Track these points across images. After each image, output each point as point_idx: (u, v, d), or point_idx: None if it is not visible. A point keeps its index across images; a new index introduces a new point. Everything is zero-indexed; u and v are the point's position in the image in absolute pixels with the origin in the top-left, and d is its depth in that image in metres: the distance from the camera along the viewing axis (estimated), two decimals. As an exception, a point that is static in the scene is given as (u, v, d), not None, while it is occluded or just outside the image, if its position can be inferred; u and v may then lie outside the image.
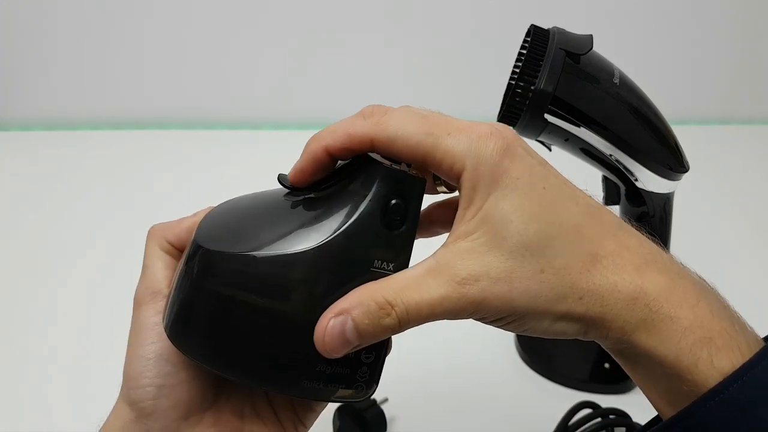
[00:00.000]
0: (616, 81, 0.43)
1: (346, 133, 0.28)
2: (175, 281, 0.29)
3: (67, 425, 0.47)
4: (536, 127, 0.42)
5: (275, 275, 0.27)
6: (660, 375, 0.26)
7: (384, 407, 0.47)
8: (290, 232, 0.28)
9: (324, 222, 0.28)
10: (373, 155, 0.29)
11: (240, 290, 0.27)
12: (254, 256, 0.27)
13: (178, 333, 0.28)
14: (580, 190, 0.29)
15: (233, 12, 0.84)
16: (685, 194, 0.52)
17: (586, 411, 0.44)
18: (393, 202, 0.28)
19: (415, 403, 0.49)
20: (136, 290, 0.31)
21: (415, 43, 0.88)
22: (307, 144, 0.29)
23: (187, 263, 0.29)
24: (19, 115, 0.88)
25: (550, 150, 0.47)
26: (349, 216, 0.28)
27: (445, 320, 0.26)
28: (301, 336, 0.27)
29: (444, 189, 0.32)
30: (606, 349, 0.28)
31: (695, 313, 0.26)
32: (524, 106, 0.41)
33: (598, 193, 0.50)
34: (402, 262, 0.28)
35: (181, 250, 0.31)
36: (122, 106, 0.89)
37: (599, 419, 0.43)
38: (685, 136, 0.48)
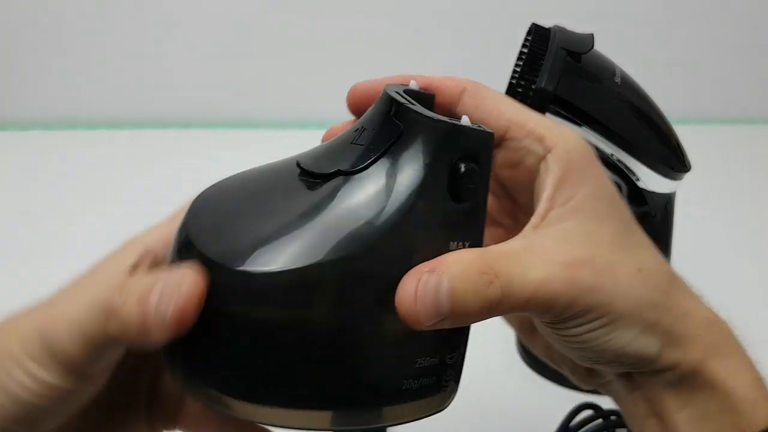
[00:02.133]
0: (618, 80, 0.43)
1: (443, 76, 0.27)
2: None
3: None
4: (537, 127, 0.42)
5: (328, 286, 0.21)
6: (715, 412, 0.24)
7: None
8: (342, 230, 0.22)
9: (378, 209, 0.22)
10: (411, 104, 0.23)
11: (291, 310, 0.21)
12: (298, 270, 0.21)
13: (199, 377, 0.23)
14: None
15: (233, 11, 0.84)
16: (686, 194, 0.52)
17: (587, 412, 0.44)
18: (463, 167, 0.23)
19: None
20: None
21: (415, 42, 0.87)
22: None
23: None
24: (18, 115, 0.88)
25: (550, 150, 0.47)
26: (407, 198, 0.22)
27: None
28: (379, 351, 0.22)
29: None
30: (652, 388, 0.25)
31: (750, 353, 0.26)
32: (525, 105, 0.41)
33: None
34: (479, 239, 0.24)
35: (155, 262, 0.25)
36: (121, 106, 0.89)
37: (601, 420, 0.43)
38: (686, 136, 0.47)
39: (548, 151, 0.25)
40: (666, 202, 0.48)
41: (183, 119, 0.89)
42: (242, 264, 0.21)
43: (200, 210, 0.24)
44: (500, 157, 0.27)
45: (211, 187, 0.26)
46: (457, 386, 0.25)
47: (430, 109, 0.25)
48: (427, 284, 0.21)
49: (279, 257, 0.21)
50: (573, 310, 0.23)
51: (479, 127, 0.24)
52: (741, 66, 0.93)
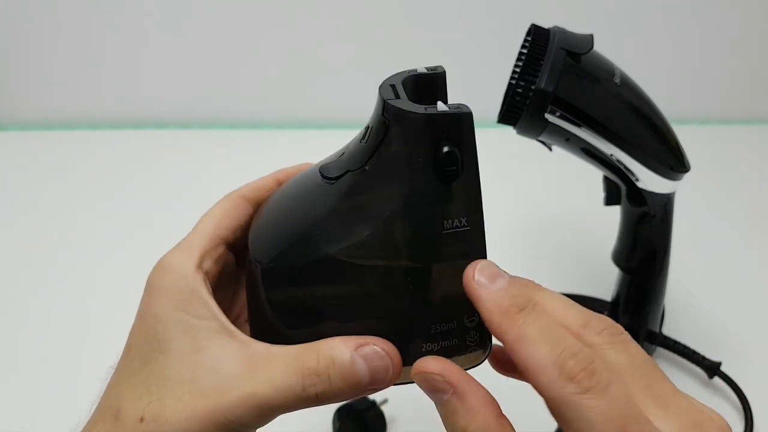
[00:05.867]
0: (617, 81, 0.43)
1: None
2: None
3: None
4: (537, 127, 0.42)
5: (350, 276, 0.26)
6: None
7: (384, 408, 0.47)
8: (348, 223, 0.26)
9: (376, 200, 0.26)
10: (392, 99, 0.25)
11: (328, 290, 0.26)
12: (324, 258, 0.26)
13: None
14: None
15: (233, 11, 0.84)
16: (685, 194, 0.52)
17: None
18: (445, 150, 0.24)
19: (415, 404, 0.49)
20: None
21: (414, 43, 0.87)
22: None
23: (269, 281, 0.28)
24: (17, 116, 0.88)
25: (550, 150, 0.47)
26: (398, 186, 0.25)
27: None
28: (397, 325, 0.26)
29: None
30: None
31: None
32: (524, 105, 0.41)
33: (598, 193, 0.50)
34: (474, 213, 0.26)
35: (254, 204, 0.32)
36: (121, 106, 0.89)
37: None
38: (685, 136, 0.48)
39: None
40: (665, 203, 0.48)
41: (183, 119, 0.89)
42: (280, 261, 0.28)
43: (257, 218, 0.31)
44: None
45: (270, 198, 0.32)
46: (490, 343, 0.27)
47: (438, 88, 0.28)
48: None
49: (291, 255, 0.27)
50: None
51: (455, 109, 0.25)
52: (741, 66, 0.93)
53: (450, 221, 0.25)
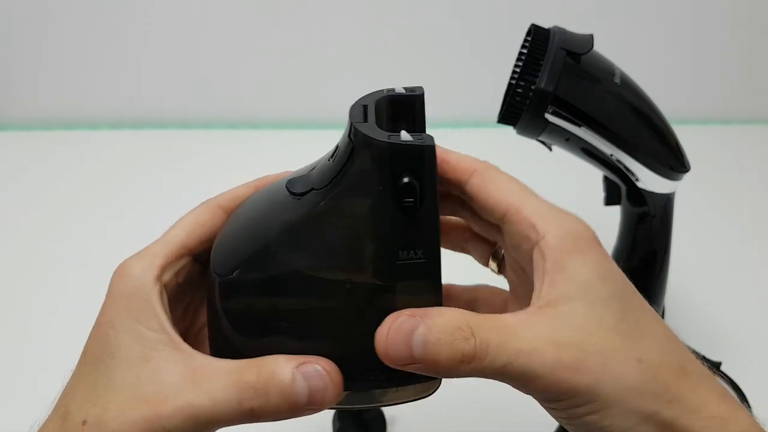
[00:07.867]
0: (617, 81, 0.43)
1: (460, 155, 0.28)
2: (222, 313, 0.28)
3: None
4: (537, 127, 0.42)
5: (303, 294, 0.26)
6: None
7: (383, 408, 0.47)
8: (305, 242, 0.26)
9: (335, 223, 0.26)
10: (360, 122, 0.25)
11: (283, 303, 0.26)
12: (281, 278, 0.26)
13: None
14: None
15: (233, 11, 0.84)
16: (685, 194, 0.52)
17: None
18: (404, 181, 0.24)
19: (415, 404, 0.49)
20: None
21: (414, 43, 0.87)
22: None
23: (226, 293, 0.28)
24: (17, 116, 0.88)
25: (550, 150, 0.47)
26: (357, 211, 0.25)
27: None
28: (345, 349, 0.26)
29: (494, 267, 0.32)
30: None
31: None
32: (524, 105, 0.41)
33: (598, 193, 0.50)
34: (431, 246, 0.25)
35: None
36: (121, 106, 0.89)
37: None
38: (685, 136, 0.48)
39: (541, 238, 0.26)
40: (665, 203, 0.48)
41: (183, 119, 0.89)
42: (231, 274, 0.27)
43: (222, 230, 0.30)
44: (504, 239, 0.28)
45: (236, 209, 0.31)
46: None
47: (415, 110, 0.28)
48: (402, 325, 0.24)
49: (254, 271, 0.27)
50: (558, 390, 0.24)
51: (417, 141, 0.25)
52: (741, 66, 0.93)
53: (406, 252, 0.25)
